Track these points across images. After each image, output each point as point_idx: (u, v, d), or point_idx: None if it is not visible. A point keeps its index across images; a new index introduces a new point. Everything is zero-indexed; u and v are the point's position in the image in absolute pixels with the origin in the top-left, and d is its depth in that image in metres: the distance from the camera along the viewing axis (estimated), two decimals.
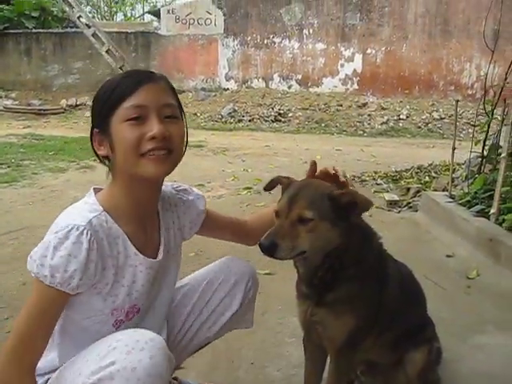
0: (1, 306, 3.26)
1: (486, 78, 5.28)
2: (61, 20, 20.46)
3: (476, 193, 4.84)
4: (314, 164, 1.97)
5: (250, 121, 15.31)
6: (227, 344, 2.71)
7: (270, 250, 1.65)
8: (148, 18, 26.75)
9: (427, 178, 7.13)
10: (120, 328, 1.65)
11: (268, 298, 3.33)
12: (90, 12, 29.71)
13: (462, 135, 12.33)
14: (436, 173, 7.40)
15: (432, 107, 15.71)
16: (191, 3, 17.94)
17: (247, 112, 15.75)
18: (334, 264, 1.80)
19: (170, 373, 1.48)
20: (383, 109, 15.65)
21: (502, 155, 4.31)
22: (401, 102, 16.09)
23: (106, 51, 16.67)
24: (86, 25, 17.13)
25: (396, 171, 7.71)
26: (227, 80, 17.88)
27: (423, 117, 15.14)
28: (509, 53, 8.42)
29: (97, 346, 1.51)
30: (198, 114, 15.61)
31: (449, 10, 16.25)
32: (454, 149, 5.24)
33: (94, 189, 1.70)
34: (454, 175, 5.60)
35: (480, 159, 5.23)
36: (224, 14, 17.59)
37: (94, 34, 16.83)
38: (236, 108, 15.91)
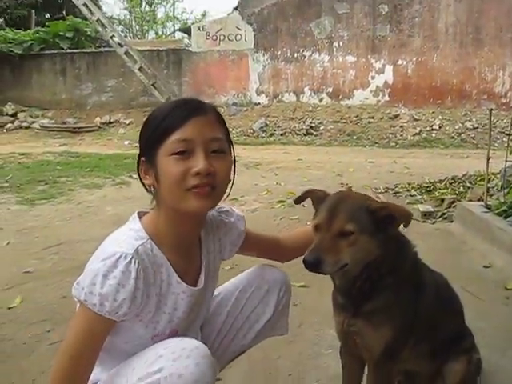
0: (43, 318, 3.33)
1: None
2: (94, 40, 20.93)
3: None
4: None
5: (281, 135, 15.36)
6: (264, 354, 2.72)
7: (315, 265, 1.67)
8: (179, 35, 27.16)
9: (461, 188, 7.04)
10: None
11: (304, 311, 3.34)
12: (122, 31, 30.28)
13: (496, 144, 12.21)
14: (470, 183, 7.30)
15: (465, 117, 15.54)
16: (221, 20, 18.16)
17: (279, 126, 15.80)
18: (372, 274, 1.82)
19: (214, 380, 1.50)
20: (415, 120, 15.54)
21: None
22: (433, 112, 15.95)
23: (139, 69, 16.93)
24: (119, 44, 17.44)
25: (430, 182, 7.63)
26: (258, 94, 17.97)
27: (456, 127, 14.99)
28: None
29: (144, 354, 1.54)
30: (230, 129, 15.13)
31: (480, 19, 16.10)
32: (488, 158, 5.19)
33: (139, 213, 1.72)
34: (489, 185, 5.54)
35: None
36: (254, 30, 17.73)
37: (126, 53, 17.12)
38: (267, 122, 15.97)
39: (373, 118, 15.84)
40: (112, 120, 17.61)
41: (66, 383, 1.50)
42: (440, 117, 15.57)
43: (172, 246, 1.67)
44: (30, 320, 3.31)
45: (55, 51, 19.12)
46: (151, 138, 1.60)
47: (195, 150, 1.58)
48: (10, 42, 18.80)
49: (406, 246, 1.95)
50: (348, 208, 1.76)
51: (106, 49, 19.10)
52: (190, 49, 18.55)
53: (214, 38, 17.93)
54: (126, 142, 14.66)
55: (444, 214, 5.91)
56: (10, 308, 3.50)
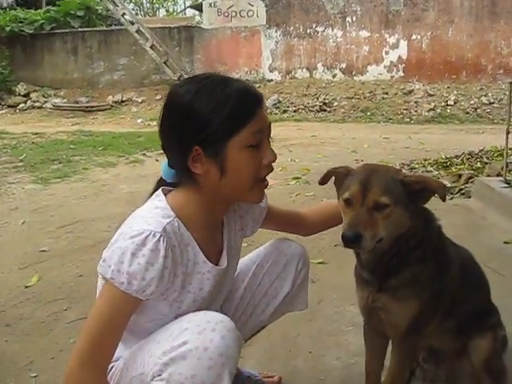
0: (60, 297, 3.33)
1: None
2: (105, 18, 20.79)
3: None
4: None
5: (295, 111, 15.25)
6: (283, 332, 2.71)
7: (354, 241, 1.62)
8: (190, 12, 26.92)
9: (479, 164, 6.94)
10: None
11: (323, 287, 3.31)
12: (132, 9, 30.05)
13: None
14: (488, 158, 7.20)
15: (480, 92, 15.32)
16: None
17: (292, 103, 15.68)
18: (401, 248, 1.77)
19: (239, 354, 1.48)
20: (430, 95, 15.35)
21: None
22: (448, 87, 15.73)
23: (150, 47, 16.81)
24: (130, 22, 17.32)
25: (446, 158, 7.53)
26: (271, 71, 17.81)
27: (471, 102, 14.79)
28: None
29: (168, 328, 1.51)
30: None
31: None
32: (508, 132, 5.10)
33: (163, 189, 1.66)
34: (507, 160, 5.45)
35: None
36: (266, 5, 17.53)
37: (137, 31, 17.00)
38: (281, 99, 15.86)
39: (387, 93, 15.67)
40: (124, 98, 17.55)
41: (90, 361, 1.47)
42: (455, 92, 15.38)
43: (199, 226, 1.63)
44: (47, 298, 3.32)
45: (66, 30, 19.01)
46: (221, 129, 1.52)
47: (263, 139, 1.58)
48: (21, 22, 18.70)
49: (431, 219, 1.90)
50: (381, 180, 1.71)
51: (118, 27, 19.00)
52: (201, 26, 18.39)
53: (226, 14, 17.75)
54: (139, 121, 14.65)
55: (462, 189, 5.84)
56: (27, 287, 3.51)
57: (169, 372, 1.40)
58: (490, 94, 15.05)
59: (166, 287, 1.54)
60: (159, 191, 1.66)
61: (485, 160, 7.10)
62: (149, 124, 13.33)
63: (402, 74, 16.74)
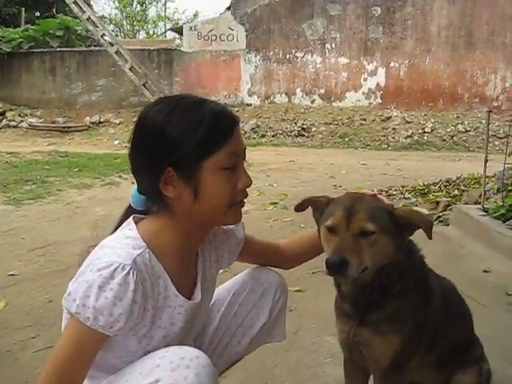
0: (28, 324, 3.19)
1: None
2: (84, 39, 20.74)
3: (511, 206, 4.70)
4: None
5: (273, 136, 15.28)
6: (260, 363, 2.62)
7: (340, 267, 1.54)
8: (170, 35, 27.04)
9: (456, 191, 6.97)
10: None
11: (300, 316, 3.23)
12: (112, 30, 30.08)
13: (488, 148, 12.14)
14: (465, 186, 7.23)
15: (457, 120, 15.53)
16: (213, 19, 18.04)
17: (270, 127, 15.71)
18: (383, 280, 1.71)
19: None
20: (407, 122, 15.50)
21: None
22: (425, 115, 15.91)
23: (129, 68, 16.74)
24: (110, 43, 17.25)
25: (424, 185, 7.55)
26: (250, 95, 17.86)
27: (448, 130, 14.97)
28: None
29: (138, 365, 1.42)
30: None
31: (472, 22, 16.08)
32: (486, 161, 5.11)
33: (133, 217, 1.57)
34: (485, 188, 5.45)
35: None
36: (246, 30, 17.62)
37: (117, 52, 16.93)
38: (259, 123, 15.88)
39: (365, 120, 15.78)
40: (102, 120, 17.44)
41: None
42: (432, 119, 15.55)
43: (173, 257, 1.54)
44: (14, 325, 3.17)
45: (45, 49, 18.88)
46: (195, 151, 1.44)
47: (238, 162, 1.52)
48: None
49: (414, 250, 1.85)
50: (367, 207, 1.65)
51: (97, 48, 18.91)
52: (181, 49, 18.40)
53: (206, 38, 17.80)
54: (116, 142, 14.54)
55: (439, 217, 5.83)
56: None
57: None
58: (466, 122, 15.25)
59: (136, 322, 1.44)
60: (130, 219, 1.56)
61: (462, 187, 7.12)
62: (126, 146, 12.49)
63: (380, 101, 16.89)
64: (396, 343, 1.74)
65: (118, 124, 17.08)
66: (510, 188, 4.97)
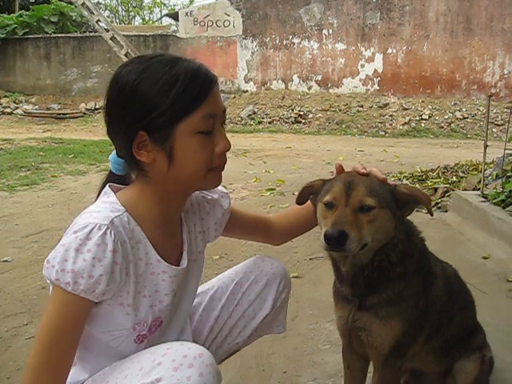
0: (21, 311, 3.14)
1: None
2: (79, 24, 20.59)
3: (511, 191, 4.64)
4: (339, 167, 1.76)
5: (270, 122, 15.22)
6: (256, 351, 2.57)
7: (339, 241, 1.47)
8: (166, 21, 26.82)
9: (454, 177, 6.91)
10: (143, 343, 1.48)
11: (298, 303, 3.17)
12: (108, 16, 29.83)
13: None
14: (463, 172, 7.18)
15: (454, 107, 15.48)
16: (209, 5, 17.88)
17: (267, 114, 15.64)
18: (383, 261, 1.64)
19: None
20: (405, 109, 15.44)
21: None
22: (422, 102, 15.85)
23: (125, 54, 16.61)
24: (105, 29, 17.12)
25: (422, 171, 7.50)
26: (246, 82, 17.75)
27: (446, 117, 14.92)
28: None
29: (137, 361, 1.35)
30: None
31: (471, 8, 15.99)
32: (485, 146, 5.05)
33: (110, 186, 1.51)
34: (484, 174, 5.40)
35: None
36: (242, 16, 17.49)
37: (112, 38, 16.81)
38: (256, 110, 15.80)
39: (362, 106, 15.72)
40: (97, 106, 17.31)
41: (43, 373, 1.31)
42: (429, 106, 15.50)
43: (154, 224, 1.48)
44: (6, 312, 3.12)
45: (39, 35, 18.76)
46: (168, 112, 1.36)
47: (216, 125, 1.43)
48: None
49: (414, 232, 1.78)
50: (367, 181, 1.59)
51: (92, 34, 18.80)
52: (177, 35, 18.27)
53: (202, 23, 17.67)
54: None
55: (438, 203, 5.79)
56: None
57: None
58: (463, 109, 15.20)
59: (119, 287, 1.37)
60: (107, 188, 1.50)
61: (460, 174, 7.07)
62: None
63: (377, 88, 16.81)
64: (397, 328, 1.68)
65: None
66: (509, 174, 4.90)
